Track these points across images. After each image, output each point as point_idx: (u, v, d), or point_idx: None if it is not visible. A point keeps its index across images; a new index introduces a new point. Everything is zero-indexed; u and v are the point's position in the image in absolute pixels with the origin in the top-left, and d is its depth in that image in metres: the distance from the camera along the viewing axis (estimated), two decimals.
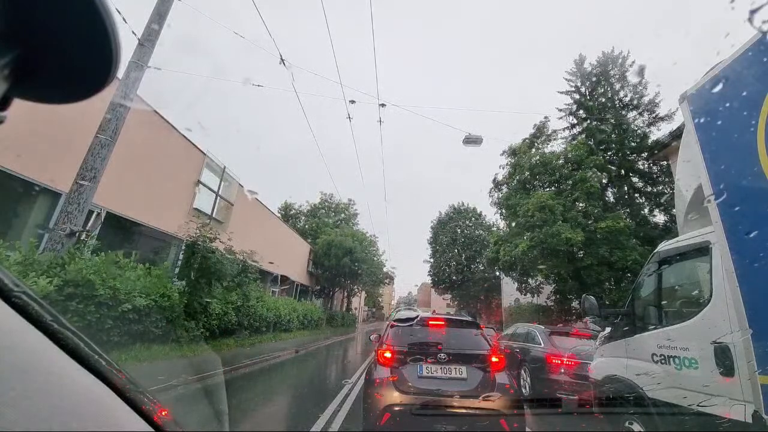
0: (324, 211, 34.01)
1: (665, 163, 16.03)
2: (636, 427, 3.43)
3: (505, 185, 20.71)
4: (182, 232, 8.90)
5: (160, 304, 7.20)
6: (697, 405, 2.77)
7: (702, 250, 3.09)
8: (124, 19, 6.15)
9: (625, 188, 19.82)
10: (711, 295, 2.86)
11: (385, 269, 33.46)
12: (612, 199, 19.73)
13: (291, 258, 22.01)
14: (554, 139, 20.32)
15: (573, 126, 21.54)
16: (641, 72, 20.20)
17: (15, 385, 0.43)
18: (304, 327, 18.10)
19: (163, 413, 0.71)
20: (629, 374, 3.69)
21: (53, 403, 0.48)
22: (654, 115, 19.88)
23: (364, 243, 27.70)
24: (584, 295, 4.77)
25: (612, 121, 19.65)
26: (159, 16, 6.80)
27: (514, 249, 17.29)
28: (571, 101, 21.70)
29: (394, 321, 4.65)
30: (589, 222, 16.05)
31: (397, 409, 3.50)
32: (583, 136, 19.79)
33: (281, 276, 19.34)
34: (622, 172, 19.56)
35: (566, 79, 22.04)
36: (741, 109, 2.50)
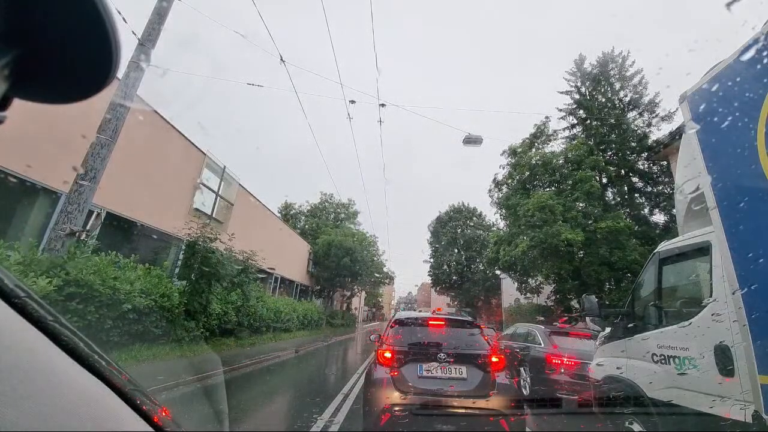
0: (324, 213, 34.02)
1: (665, 163, 16.04)
2: (636, 427, 3.43)
3: (505, 185, 20.71)
4: (183, 233, 8.91)
5: (160, 304, 7.20)
6: (697, 405, 2.77)
7: (702, 250, 3.09)
8: (124, 19, 6.15)
9: (625, 188, 19.82)
10: (711, 296, 2.86)
11: (385, 269, 33.47)
12: (612, 199, 19.73)
13: (291, 258, 22.01)
14: (554, 139, 20.34)
15: (573, 126, 21.54)
16: (641, 72, 20.21)
17: (15, 385, 0.43)
18: (304, 327, 18.09)
19: (163, 413, 0.71)
20: (629, 374, 3.69)
21: (53, 403, 0.48)
22: (654, 115, 19.88)
23: (364, 243, 27.70)
24: (584, 295, 4.79)
25: (612, 121, 19.65)
26: (159, 16, 6.79)
27: (514, 249, 17.29)
28: (571, 101, 21.70)
29: (394, 321, 4.65)
30: (589, 222, 16.06)
31: (397, 409, 3.50)
32: (583, 136, 19.80)
33: (281, 277, 19.35)
34: (622, 172, 19.56)
35: (566, 79, 22.05)
36: (741, 109, 2.50)
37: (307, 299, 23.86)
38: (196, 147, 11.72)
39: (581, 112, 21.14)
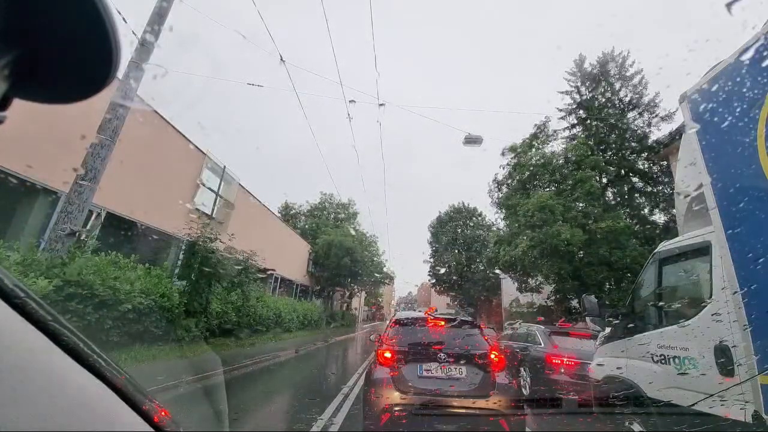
0: (324, 213, 34.02)
1: (665, 163, 16.05)
2: (636, 427, 3.42)
3: (505, 185, 20.71)
4: (183, 233, 8.91)
5: (160, 304, 7.20)
6: (697, 405, 2.77)
7: (702, 250, 3.08)
8: (124, 19, 6.15)
9: (625, 188, 19.81)
10: (711, 296, 2.86)
11: (385, 269, 33.48)
12: (612, 199, 19.72)
13: (291, 258, 22.01)
14: (554, 139, 20.32)
15: (573, 126, 21.54)
16: (641, 72, 20.20)
17: (15, 385, 0.43)
18: (304, 327, 18.10)
19: (163, 413, 0.71)
20: (629, 374, 3.69)
21: (53, 403, 0.48)
22: (654, 115, 19.88)
23: (364, 243, 27.70)
24: (584, 295, 4.79)
25: (612, 121, 19.65)
26: (159, 16, 6.79)
27: (514, 249, 17.29)
28: (571, 101, 21.70)
29: (394, 321, 4.65)
30: (589, 222, 16.06)
31: (397, 409, 3.50)
32: (583, 136, 19.79)
33: (281, 277, 19.36)
34: (622, 172, 19.56)
35: (566, 79, 22.04)
36: (741, 109, 2.50)
37: (307, 299, 23.86)
38: (196, 147, 11.72)
39: (581, 112, 21.13)
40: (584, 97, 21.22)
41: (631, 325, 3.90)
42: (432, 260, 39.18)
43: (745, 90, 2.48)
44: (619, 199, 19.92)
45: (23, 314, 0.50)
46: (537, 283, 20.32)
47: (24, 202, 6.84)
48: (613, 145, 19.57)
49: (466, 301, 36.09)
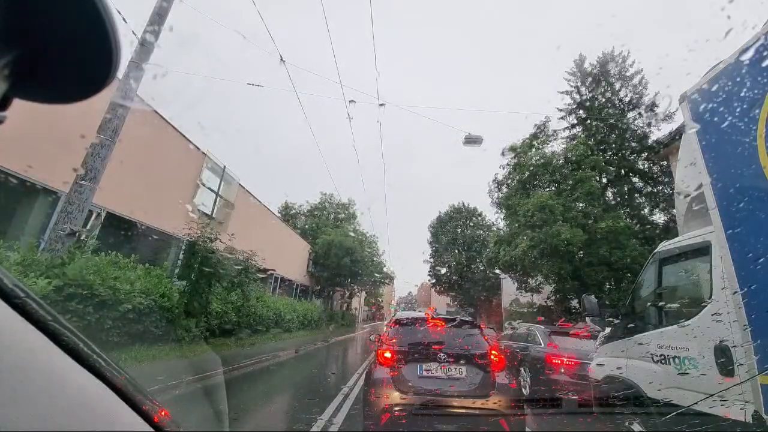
0: (324, 213, 34.00)
1: (665, 163, 16.06)
2: (636, 427, 3.42)
3: (505, 185, 20.72)
4: (183, 233, 8.91)
5: (160, 304, 7.20)
6: (697, 405, 2.77)
7: (702, 250, 3.08)
8: (124, 19, 6.15)
9: (625, 188, 19.82)
10: (711, 296, 2.86)
11: (385, 269, 33.47)
12: (612, 199, 19.73)
13: (291, 258, 22.01)
14: (554, 139, 20.34)
15: (573, 126, 21.54)
16: (641, 72, 20.21)
17: (15, 385, 0.43)
18: (303, 327, 18.10)
19: (163, 413, 0.71)
20: (629, 374, 3.69)
21: (53, 403, 0.48)
22: (654, 114, 19.88)
23: (364, 243, 27.70)
24: (584, 295, 4.79)
25: (612, 121, 19.66)
26: (159, 16, 6.78)
27: (514, 249, 17.30)
28: (571, 101, 21.70)
29: (394, 321, 4.65)
30: (589, 222, 16.06)
31: (397, 409, 3.50)
32: (583, 135, 19.80)
33: (281, 277, 19.36)
34: (622, 172, 19.56)
35: (566, 79, 22.04)
36: (741, 109, 2.50)
37: (307, 299, 23.85)
38: (196, 147, 11.72)
39: (581, 112, 21.14)
40: (584, 97, 21.23)
41: (631, 325, 3.90)
42: (432, 260, 39.18)
43: (745, 90, 2.48)
44: (619, 199, 19.93)
45: (23, 314, 0.50)
46: (537, 283, 20.33)
47: (24, 202, 6.84)
48: (613, 145, 19.58)
49: (466, 301, 36.06)
